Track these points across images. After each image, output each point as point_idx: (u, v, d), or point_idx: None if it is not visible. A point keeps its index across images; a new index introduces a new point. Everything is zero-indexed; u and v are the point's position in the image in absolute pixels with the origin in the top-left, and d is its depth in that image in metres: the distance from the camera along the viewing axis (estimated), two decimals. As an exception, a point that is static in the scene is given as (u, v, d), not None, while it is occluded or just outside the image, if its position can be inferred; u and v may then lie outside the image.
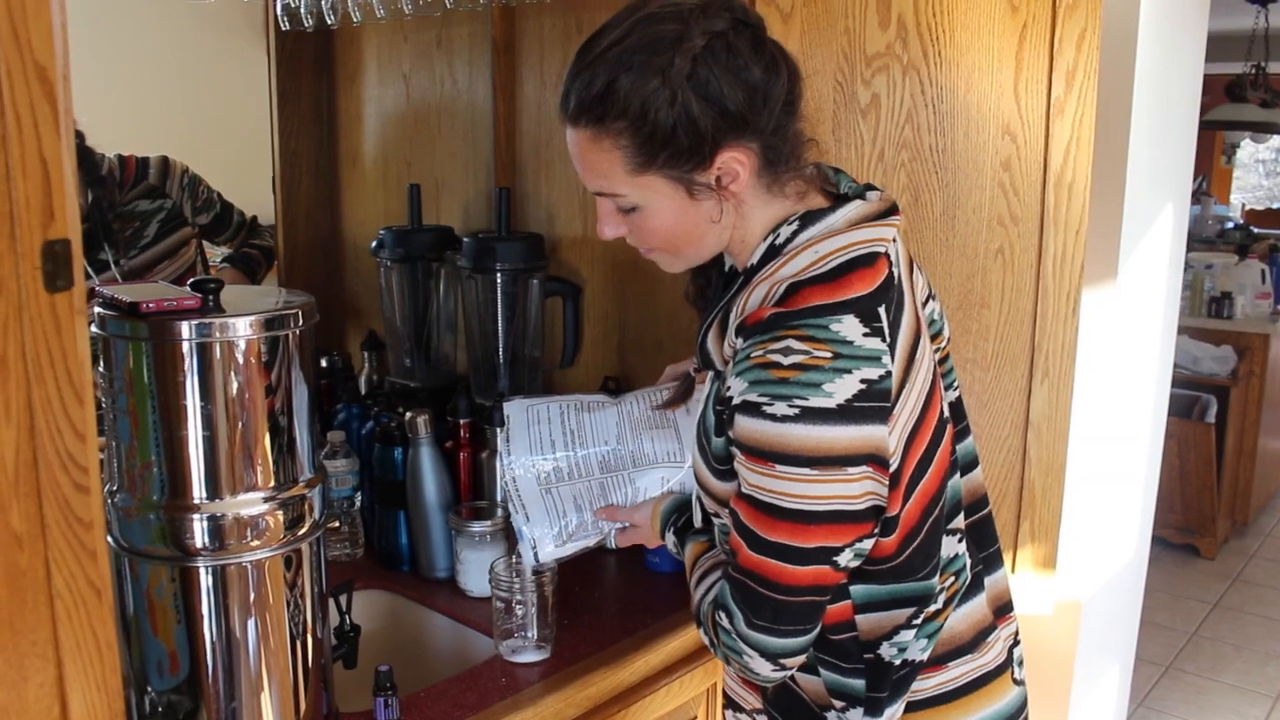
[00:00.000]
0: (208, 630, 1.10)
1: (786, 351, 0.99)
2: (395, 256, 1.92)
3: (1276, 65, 5.32)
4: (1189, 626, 3.77)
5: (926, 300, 1.20)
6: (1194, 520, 4.34)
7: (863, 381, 0.99)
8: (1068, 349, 1.49)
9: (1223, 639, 3.68)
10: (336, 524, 1.69)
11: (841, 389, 0.98)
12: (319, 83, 2.21)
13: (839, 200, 1.10)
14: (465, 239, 1.83)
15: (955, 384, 1.21)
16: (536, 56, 1.86)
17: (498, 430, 1.65)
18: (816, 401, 0.98)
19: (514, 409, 1.40)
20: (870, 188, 1.13)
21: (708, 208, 1.07)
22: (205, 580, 1.08)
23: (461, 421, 1.68)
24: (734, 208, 1.08)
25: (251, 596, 1.10)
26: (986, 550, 1.22)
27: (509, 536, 1.60)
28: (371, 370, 2.12)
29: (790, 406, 0.98)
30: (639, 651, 1.44)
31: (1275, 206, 10.00)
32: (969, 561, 1.18)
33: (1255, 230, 6.93)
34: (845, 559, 1.04)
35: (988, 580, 1.21)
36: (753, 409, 1.00)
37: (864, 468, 1.00)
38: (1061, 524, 1.56)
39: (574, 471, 1.36)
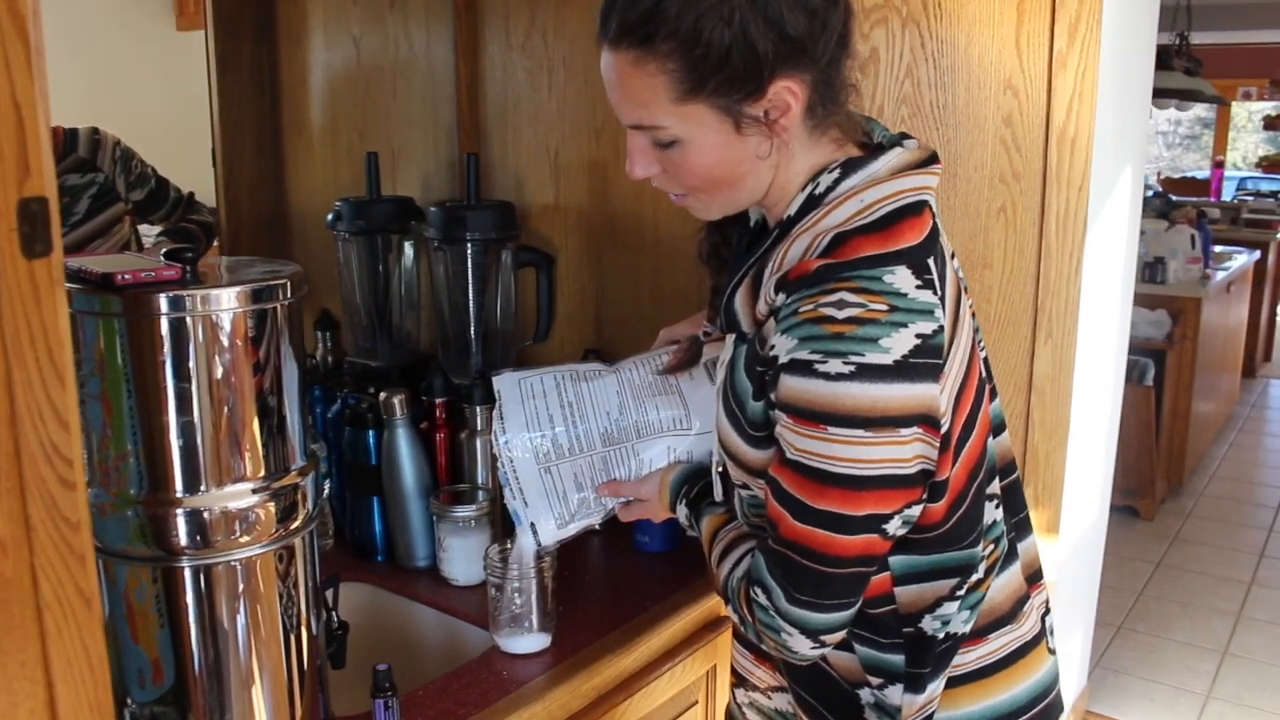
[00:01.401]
0: (194, 635, 1.00)
1: (840, 305, 0.93)
2: (354, 229, 1.81)
3: (1197, 35, 5.42)
4: (1136, 586, 3.83)
5: (952, 254, 1.14)
6: (1134, 482, 4.41)
7: (918, 336, 0.93)
8: (1070, 308, 1.45)
9: (1168, 597, 3.75)
10: (305, 514, 1.58)
11: (898, 344, 0.92)
12: (260, 47, 2.08)
13: (875, 149, 1.04)
14: (432, 209, 1.73)
15: (982, 342, 1.16)
16: (501, 16, 1.76)
17: (478, 410, 1.56)
18: (873, 357, 0.91)
19: (505, 384, 1.30)
20: (905, 136, 1.06)
21: (754, 144, 0.99)
22: (190, 581, 0.98)
23: (437, 401, 1.58)
24: (779, 147, 1.01)
25: (241, 597, 1.01)
26: (1017, 516, 1.18)
27: (495, 520, 1.51)
28: (327, 351, 2.00)
29: (845, 363, 0.91)
30: (641, 637, 1.37)
31: (1187, 174, 10.29)
32: (1005, 528, 1.13)
33: (1174, 198, 7.09)
34: (894, 526, 0.98)
35: (1020, 547, 1.17)
36: (803, 368, 0.93)
37: (915, 429, 0.94)
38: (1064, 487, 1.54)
39: (574, 447, 1.28)
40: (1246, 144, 11.86)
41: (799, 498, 0.96)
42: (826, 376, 0.92)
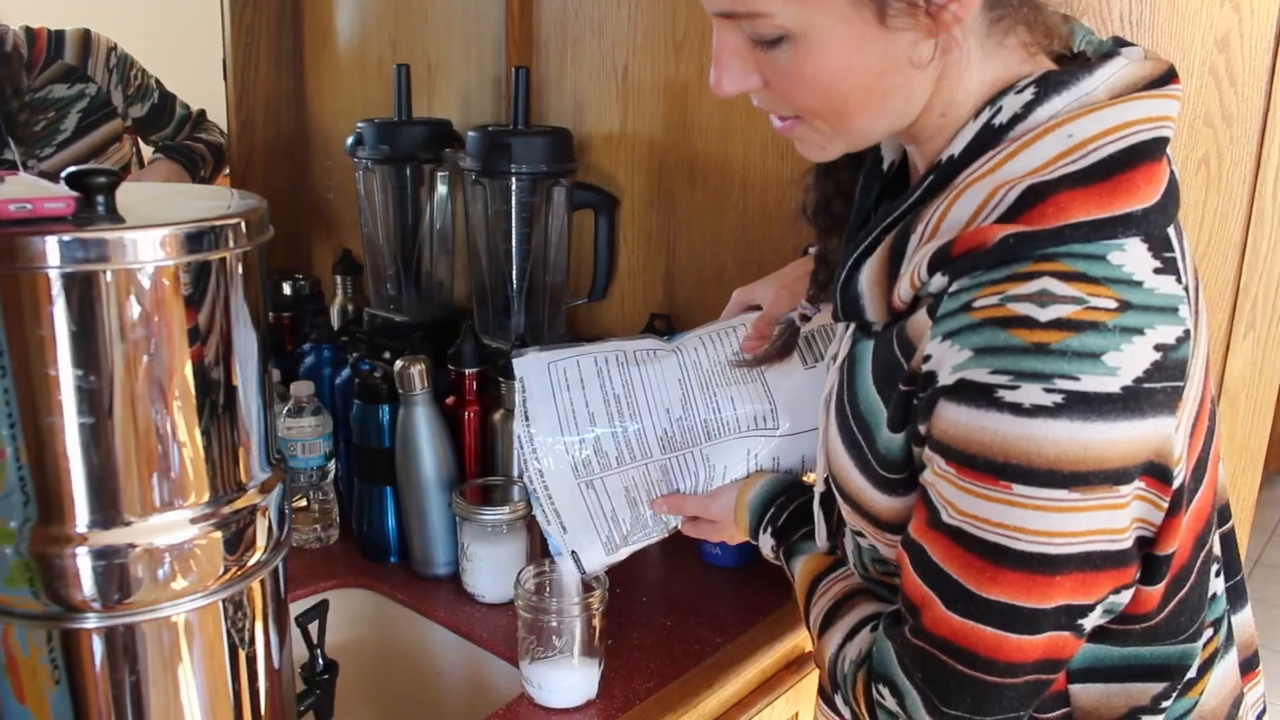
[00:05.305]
0: (103, 708, 0.72)
1: (1042, 299, 0.61)
2: (378, 156, 1.52)
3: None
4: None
5: None
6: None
7: (1158, 348, 0.62)
8: (1284, 293, 1.12)
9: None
10: (304, 503, 1.31)
11: (1130, 361, 0.61)
12: (279, -63, 1.77)
13: (1080, 61, 0.71)
14: (469, 134, 1.43)
15: None
16: (563, -103, 1.44)
17: (515, 384, 1.27)
18: (1093, 382, 0.60)
19: (529, 369, 1.00)
20: (1122, 42, 0.74)
21: (906, 43, 0.66)
22: (100, 647, 0.69)
23: (467, 372, 1.29)
24: (944, 49, 0.68)
25: (175, 662, 0.72)
26: (1232, 579, 0.86)
27: (533, 525, 1.23)
28: (346, 299, 1.73)
29: (1049, 391, 0.60)
30: (710, 688, 1.08)
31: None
32: (1226, 602, 0.82)
33: None
34: (1092, 619, 0.68)
35: (1235, 623, 0.86)
36: (979, 394, 0.62)
37: (1138, 483, 0.63)
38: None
39: (623, 455, 0.98)
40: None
41: (959, 580, 0.66)
42: (1017, 410, 0.61)
